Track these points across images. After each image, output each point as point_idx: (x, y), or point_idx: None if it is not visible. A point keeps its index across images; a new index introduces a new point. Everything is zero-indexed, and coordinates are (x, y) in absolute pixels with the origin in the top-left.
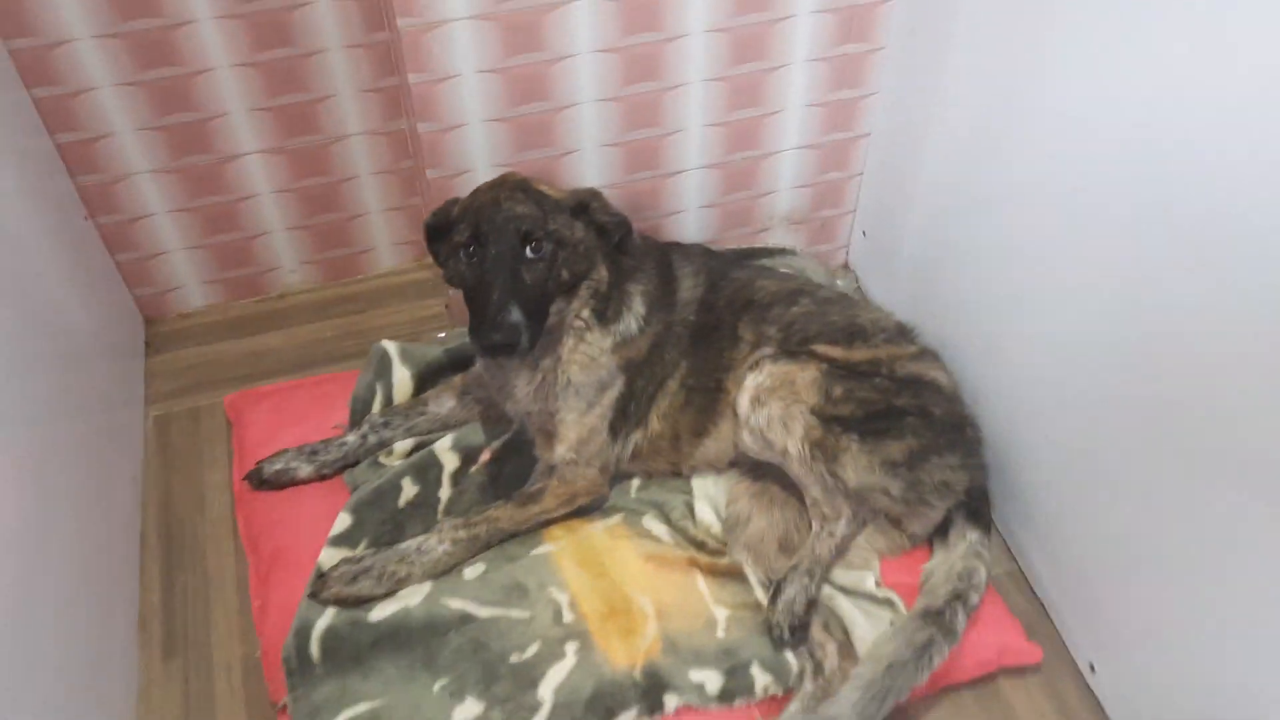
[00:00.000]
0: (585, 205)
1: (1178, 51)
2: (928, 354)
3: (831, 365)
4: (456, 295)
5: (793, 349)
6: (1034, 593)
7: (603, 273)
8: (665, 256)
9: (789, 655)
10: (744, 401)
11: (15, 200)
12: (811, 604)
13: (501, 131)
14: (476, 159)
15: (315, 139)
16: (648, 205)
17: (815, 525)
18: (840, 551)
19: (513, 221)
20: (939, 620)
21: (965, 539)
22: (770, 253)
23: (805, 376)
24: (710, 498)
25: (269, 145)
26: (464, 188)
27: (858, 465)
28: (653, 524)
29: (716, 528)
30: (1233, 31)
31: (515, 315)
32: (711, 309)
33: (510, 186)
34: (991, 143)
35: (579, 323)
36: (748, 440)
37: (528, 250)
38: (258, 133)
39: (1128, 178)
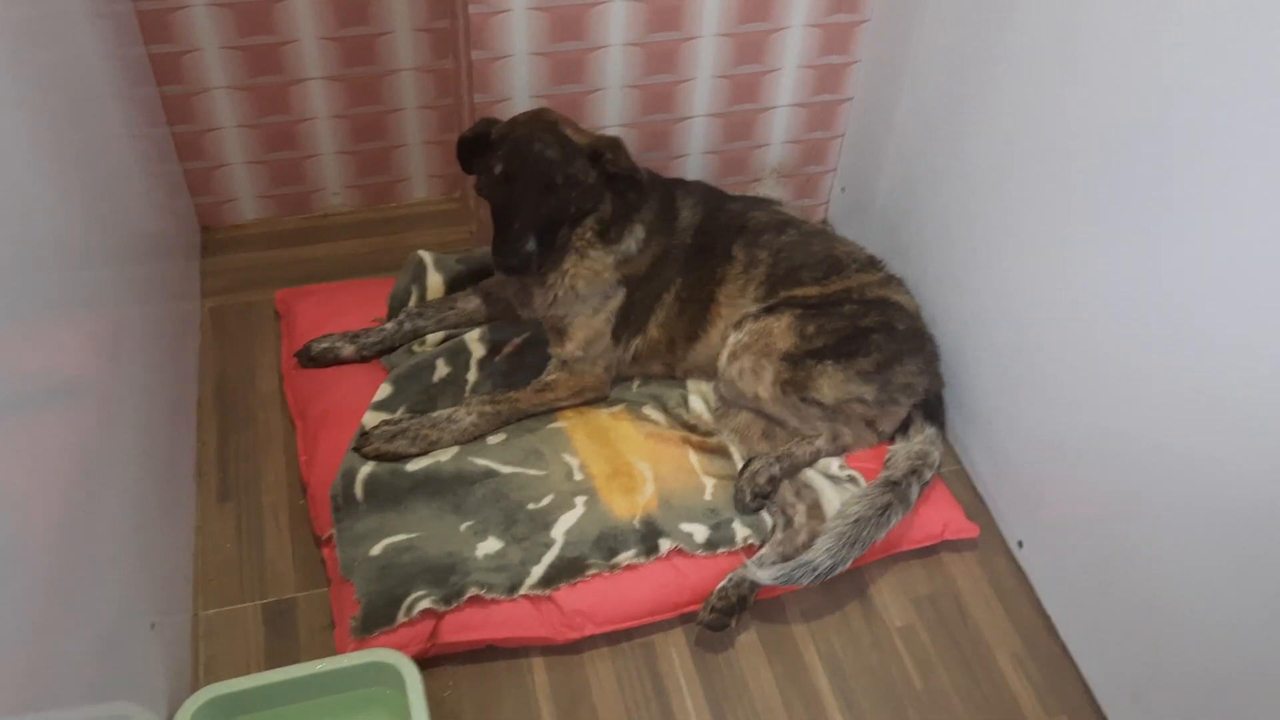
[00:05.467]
0: (600, 154)
1: (1137, 26)
2: (893, 280)
3: (805, 307)
4: (481, 222)
5: (778, 282)
6: (974, 487)
7: (608, 206)
8: (669, 190)
9: (765, 514)
10: (723, 357)
11: (109, 104)
12: (773, 480)
13: (541, 65)
14: (517, 88)
15: (371, 70)
16: (659, 146)
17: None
18: (814, 459)
19: (540, 163)
20: (897, 489)
21: (923, 432)
22: (760, 202)
23: (781, 324)
24: (703, 393)
25: (330, 72)
26: (503, 114)
27: (833, 382)
28: (651, 411)
29: (707, 416)
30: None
31: (530, 245)
32: (707, 233)
33: (542, 126)
34: (953, 111)
35: (582, 243)
36: (723, 390)
37: (549, 188)
38: (323, 59)
39: (1068, 147)
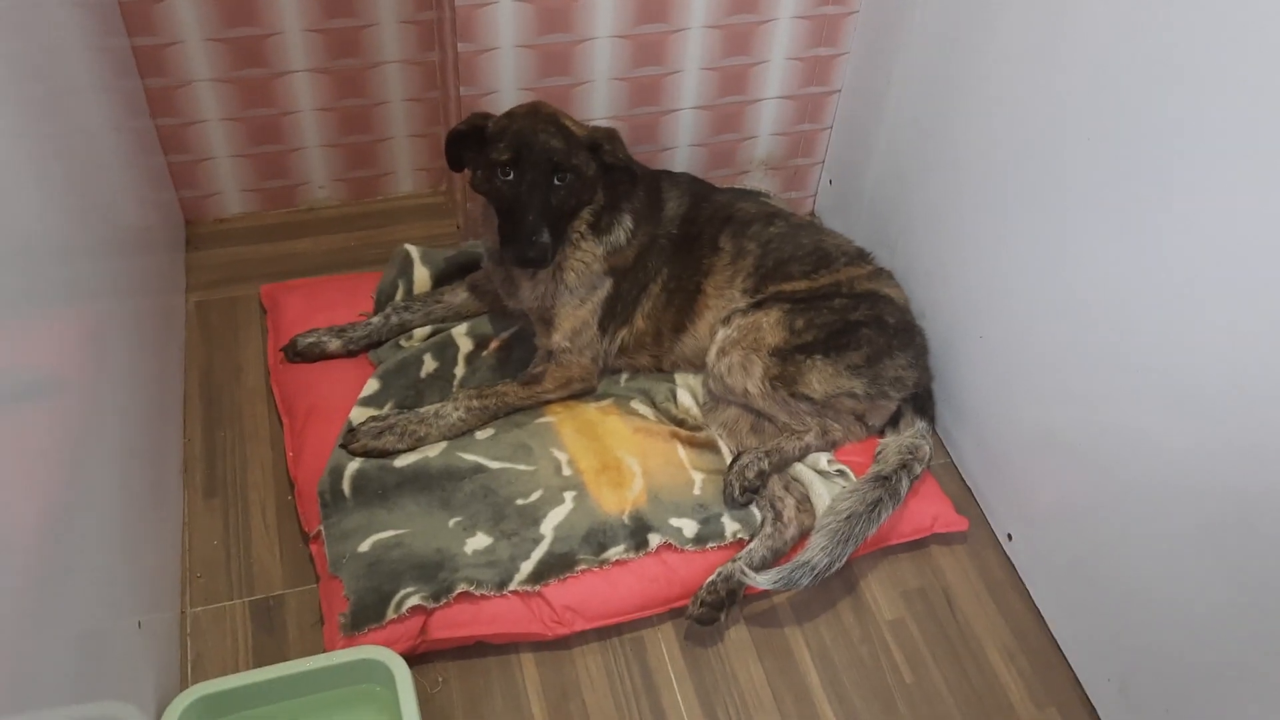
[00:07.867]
0: (598, 146)
1: (1129, 15)
2: (883, 272)
3: (794, 302)
4: (468, 215)
5: (766, 274)
6: (963, 480)
7: (600, 196)
8: (655, 181)
9: (754, 508)
10: (712, 353)
11: (91, 95)
12: (762, 474)
13: (528, 57)
14: (504, 81)
15: (356, 62)
16: (645, 139)
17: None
18: (803, 453)
19: (548, 153)
20: (887, 484)
21: (913, 425)
22: (747, 194)
23: (770, 319)
24: (691, 387)
25: (316, 65)
26: (490, 107)
27: (823, 376)
28: (639, 406)
29: (695, 410)
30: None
31: (546, 236)
32: (694, 223)
33: (544, 118)
34: (943, 103)
35: (575, 234)
36: (712, 385)
37: (555, 179)
38: (308, 51)
39: (1059, 139)
